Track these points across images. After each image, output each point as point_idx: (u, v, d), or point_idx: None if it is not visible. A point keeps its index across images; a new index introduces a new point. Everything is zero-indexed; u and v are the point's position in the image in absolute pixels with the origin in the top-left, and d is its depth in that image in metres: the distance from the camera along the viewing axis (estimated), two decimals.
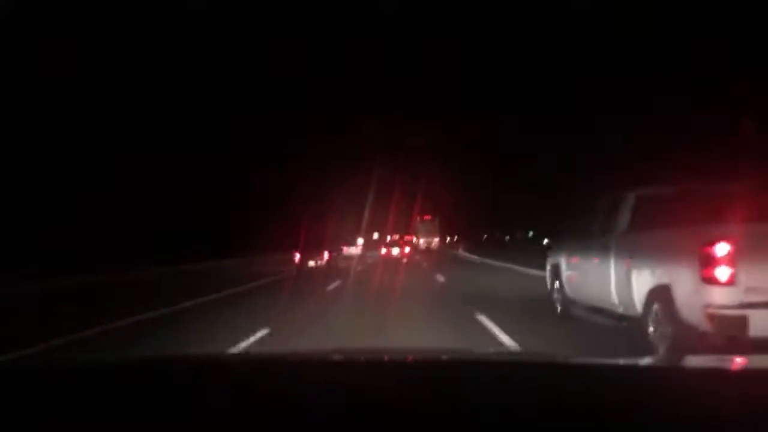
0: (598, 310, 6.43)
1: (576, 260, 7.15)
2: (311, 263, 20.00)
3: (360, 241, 35.31)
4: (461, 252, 41.41)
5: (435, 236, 58.67)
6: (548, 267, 8.31)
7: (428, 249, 52.12)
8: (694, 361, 1.73)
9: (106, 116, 22.38)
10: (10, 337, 6.88)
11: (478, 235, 59.46)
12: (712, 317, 4.16)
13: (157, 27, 23.79)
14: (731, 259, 4.06)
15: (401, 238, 44.93)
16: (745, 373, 1.43)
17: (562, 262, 7.60)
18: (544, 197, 28.72)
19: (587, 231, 6.79)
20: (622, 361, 1.70)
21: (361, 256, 30.06)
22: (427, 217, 58.67)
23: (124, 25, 22.58)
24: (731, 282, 4.05)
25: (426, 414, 1.09)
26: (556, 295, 7.85)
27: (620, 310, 5.74)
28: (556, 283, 7.81)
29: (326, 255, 21.14)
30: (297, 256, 19.88)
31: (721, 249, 4.08)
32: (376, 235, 49.37)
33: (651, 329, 5.00)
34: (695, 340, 4.33)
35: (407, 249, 40.84)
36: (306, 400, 1.21)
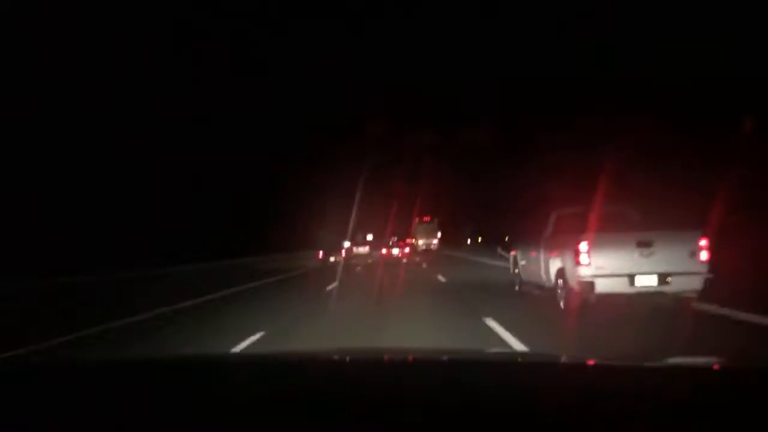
0: (538, 286, 10.02)
1: (525, 254, 10.76)
2: (332, 259, 25.10)
3: (370, 236, 39.84)
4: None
5: (434, 237, 59.08)
6: (510, 260, 11.94)
7: (427, 250, 52.90)
8: (690, 361, 1.74)
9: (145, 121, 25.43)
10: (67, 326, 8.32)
11: (461, 236, 61.02)
12: (579, 283, 7.73)
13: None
14: (588, 252, 7.63)
15: (401, 240, 45.96)
16: (744, 374, 1.42)
17: (518, 256, 11.22)
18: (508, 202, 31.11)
19: (531, 235, 10.40)
20: (621, 362, 1.72)
21: (369, 254, 35.00)
22: (426, 219, 59.23)
23: (140, 28, 25.14)
24: (587, 264, 7.63)
25: (427, 413, 1.12)
26: (515, 278, 11.48)
27: (546, 284, 9.33)
28: (515, 270, 11.44)
29: (343, 253, 26.36)
30: (321, 254, 24.77)
31: (583, 247, 7.66)
32: (370, 237, 50.98)
33: (558, 293, 8.59)
34: (574, 296, 7.92)
35: (407, 250, 41.99)
36: (306, 400, 1.23)
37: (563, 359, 1.82)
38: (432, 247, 56.01)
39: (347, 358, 1.87)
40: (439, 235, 59.97)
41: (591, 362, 1.63)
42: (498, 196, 34.26)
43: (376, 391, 1.29)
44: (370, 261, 30.42)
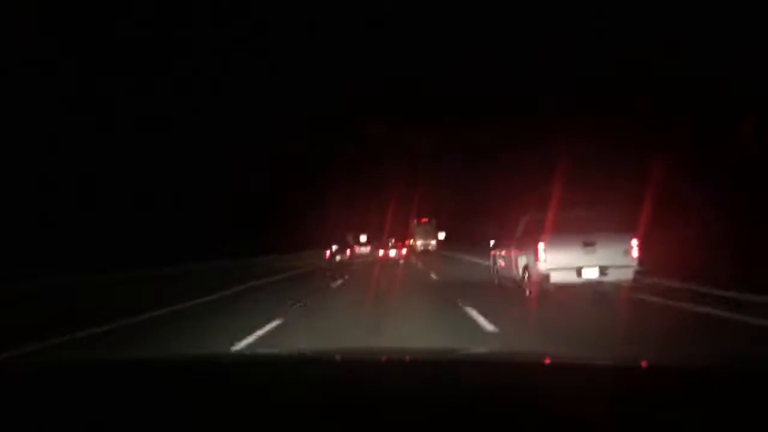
0: (511, 280, 12.04)
1: (502, 253, 12.80)
2: (338, 258, 28.82)
3: (363, 237, 41.84)
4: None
5: (433, 238, 59.46)
6: (491, 257, 13.98)
7: (426, 251, 53.09)
8: (687, 361, 1.76)
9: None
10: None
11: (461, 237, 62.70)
12: (538, 275, 9.76)
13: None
14: (544, 251, 9.66)
15: (398, 241, 46.47)
16: (744, 374, 1.43)
17: (496, 255, 13.25)
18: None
19: (506, 237, 12.43)
20: (621, 362, 1.71)
21: (370, 254, 37.81)
22: (424, 220, 59.72)
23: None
24: (544, 260, 9.65)
25: (424, 413, 1.13)
26: (494, 274, 13.52)
27: (516, 278, 11.35)
28: (495, 267, 13.48)
29: (348, 252, 29.63)
30: (328, 253, 27.83)
31: (540, 246, 9.69)
32: (363, 238, 51.63)
33: (524, 284, 10.60)
34: (536, 286, 9.94)
35: (404, 251, 42.22)
36: (305, 400, 1.24)
37: (562, 360, 1.82)
38: (430, 248, 56.45)
39: (342, 358, 1.89)
40: (442, 236, 60.06)
41: (590, 363, 1.68)
42: (491, 198, 36.01)
43: (375, 391, 1.31)
44: (370, 259, 33.53)
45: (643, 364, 1.62)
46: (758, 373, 1.43)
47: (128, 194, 25.46)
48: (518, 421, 1.09)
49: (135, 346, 7.44)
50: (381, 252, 38.89)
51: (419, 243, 57.34)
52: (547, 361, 1.75)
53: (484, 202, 37.48)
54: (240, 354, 4.87)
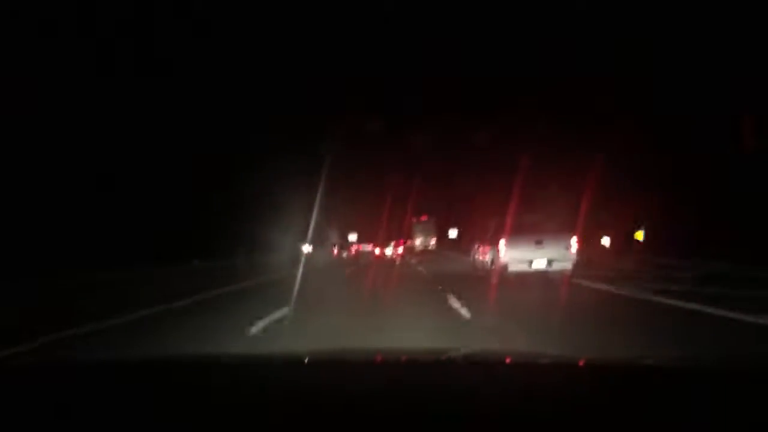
0: (484, 270, 14.90)
1: (477, 249, 15.68)
2: (344, 254, 32.13)
3: (353, 236, 44.12)
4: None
5: (433, 237, 58.31)
6: (471, 253, 16.90)
7: (425, 250, 52.41)
8: (685, 361, 1.78)
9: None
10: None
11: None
12: (500, 266, 12.66)
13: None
14: (505, 247, 12.55)
15: (395, 240, 45.96)
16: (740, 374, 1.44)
17: (474, 250, 16.16)
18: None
19: (481, 236, 15.33)
20: (620, 361, 1.74)
21: (372, 252, 40.60)
22: (424, 218, 58.32)
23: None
24: (504, 255, 12.54)
25: (423, 413, 1.14)
26: (471, 265, 16.43)
27: (487, 268, 14.22)
28: (473, 261, 16.38)
29: (353, 250, 33.03)
30: (335, 250, 30.98)
31: (502, 244, 12.59)
32: (353, 237, 51.16)
33: (491, 273, 13.48)
34: (498, 274, 12.82)
35: (400, 250, 41.38)
36: (304, 400, 1.25)
37: (561, 360, 1.85)
38: (430, 247, 55.84)
39: (336, 360, 1.90)
40: (454, 233, 55.81)
41: (589, 362, 1.68)
42: (481, 196, 37.11)
43: (373, 391, 1.32)
44: (371, 258, 36.26)
45: (649, 364, 1.63)
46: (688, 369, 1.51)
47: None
48: (520, 422, 1.09)
49: None
50: (377, 252, 39.21)
51: (418, 242, 56.76)
52: (554, 362, 1.77)
53: (478, 200, 37.95)
54: (238, 354, 4.83)
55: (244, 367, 1.75)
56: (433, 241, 57.83)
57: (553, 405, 1.18)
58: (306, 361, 1.84)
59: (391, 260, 33.81)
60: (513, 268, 12.51)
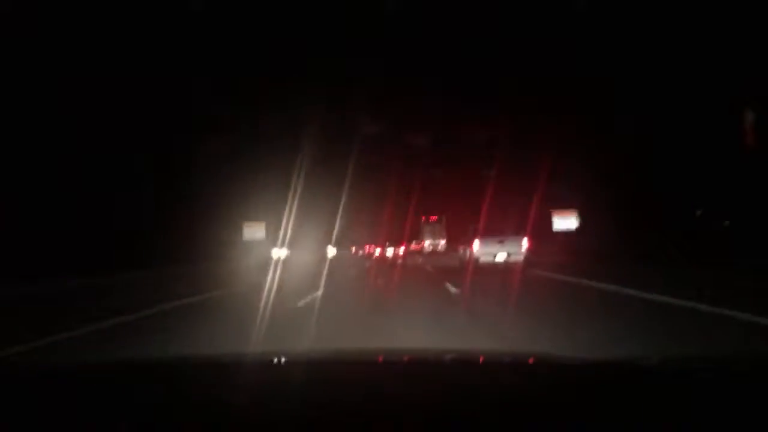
0: (464, 263, 19.98)
1: (462, 247, 20.83)
2: (360, 253, 37.67)
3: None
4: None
5: (442, 238, 57.70)
6: (459, 251, 22.06)
7: (434, 251, 52.19)
8: (684, 361, 1.78)
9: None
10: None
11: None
12: (473, 259, 17.81)
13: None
14: (478, 244, 17.72)
15: (400, 241, 45.97)
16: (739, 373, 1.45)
17: (461, 249, 21.32)
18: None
19: (465, 237, 20.48)
20: (619, 361, 1.74)
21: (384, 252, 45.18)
22: (434, 218, 57.91)
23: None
24: (476, 250, 17.70)
25: (424, 414, 1.14)
26: (459, 260, 21.59)
27: (464, 261, 19.31)
28: (460, 257, 21.55)
29: (367, 249, 38.46)
30: (354, 250, 36.33)
31: (475, 242, 17.76)
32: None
33: (466, 264, 18.59)
34: (472, 265, 17.95)
35: (401, 251, 41.50)
36: (304, 401, 1.25)
37: (561, 360, 1.84)
38: (439, 248, 55.37)
39: (339, 359, 1.90)
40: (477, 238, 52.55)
41: (589, 362, 1.70)
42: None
43: (374, 391, 1.33)
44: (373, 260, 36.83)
45: (648, 364, 1.59)
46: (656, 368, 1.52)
47: None
48: (520, 422, 1.09)
49: None
50: (378, 253, 40.57)
51: (427, 243, 56.53)
52: (554, 362, 1.78)
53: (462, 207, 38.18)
54: (238, 355, 4.29)
55: (242, 366, 1.77)
56: (443, 242, 57.05)
57: (553, 405, 1.19)
58: (305, 360, 1.91)
59: (392, 261, 33.33)
60: (483, 260, 17.61)
